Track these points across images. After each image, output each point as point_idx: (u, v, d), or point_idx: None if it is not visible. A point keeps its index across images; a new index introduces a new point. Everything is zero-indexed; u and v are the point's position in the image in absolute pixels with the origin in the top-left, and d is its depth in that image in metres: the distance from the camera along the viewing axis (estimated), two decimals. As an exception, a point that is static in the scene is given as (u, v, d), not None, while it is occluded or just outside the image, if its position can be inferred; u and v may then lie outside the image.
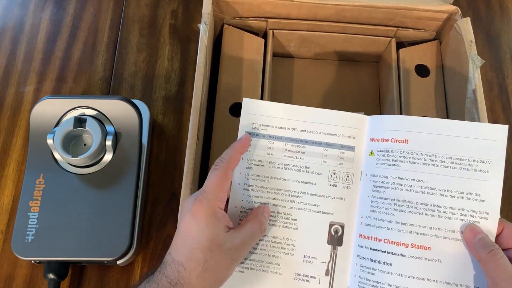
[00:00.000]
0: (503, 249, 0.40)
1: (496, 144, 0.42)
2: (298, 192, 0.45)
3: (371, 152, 0.45)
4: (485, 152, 0.42)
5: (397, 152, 0.43)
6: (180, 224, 0.42)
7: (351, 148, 0.46)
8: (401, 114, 0.59)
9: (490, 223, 0.41)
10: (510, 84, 0.71)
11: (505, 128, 0.42)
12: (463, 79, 0.55)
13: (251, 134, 0.46)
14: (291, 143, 0.46)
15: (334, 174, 0.45)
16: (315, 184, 0.45)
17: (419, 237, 0.42)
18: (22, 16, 0.73)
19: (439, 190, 0.42)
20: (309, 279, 0.44)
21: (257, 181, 0.45)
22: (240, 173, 0.46)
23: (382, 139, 0.45)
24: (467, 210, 0.41)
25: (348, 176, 0.45)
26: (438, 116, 0.60)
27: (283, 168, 0.45)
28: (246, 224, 0.43)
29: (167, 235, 0.61)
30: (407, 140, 0.43)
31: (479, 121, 0.52)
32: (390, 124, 0.44)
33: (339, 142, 0.46)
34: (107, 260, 0.55)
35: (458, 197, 0.41)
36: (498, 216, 0.41)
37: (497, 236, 0.41)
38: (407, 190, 0.43)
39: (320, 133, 0.46)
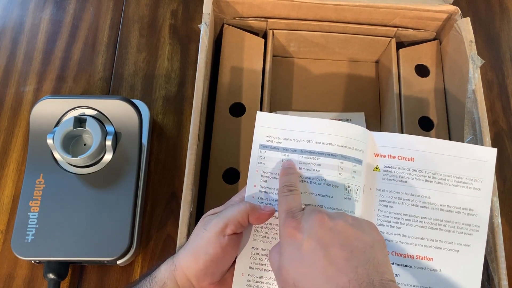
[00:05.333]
0: None
1: (487, 165, 0.46)
2: (315, 206, 0.43)
3: (376, 167, 0.46)
4: (478, 172, 0.46)
5: (404, 169, 0.46)
6: (192, 233, 0.43)
7: (360, 162, 0.45)
8: (401, 114, 0.60)
9: (481, 234, 0.45)
10: (510, 84, 0.71)
11: (494, 151, 0.46)
12: (463, 79, 0.55)
13: (265, 147, 0.45)
14: (306, 155, 0.44)
15: (349, 187, 0.44)
16: (332, 197, 0.44)
17: (423, 249, 0.44)
18: (22, 16, 0.73)
19: (441, 205, 0.45)
20: None
21: (272, 194, 0.44)
22: (255, 186, 0.44)
23: (388, 155, 0.46)
24: (463, 224, 0.45)
25: (357, 190, 0.45)
26: (438, 116, 0.60)
27: (298, 181, 0.44)
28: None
29: (167, 235, 0.61)
30: (413, 158, 0.46)
31: (479, 121, 0.52)
32: (397, 142, 0.46)
33: (352, 155, 0.45)
34: (107, 260, 0.55)
35: (455, 212, 0.45)
36: (487, 228, 0.45)
37: None
38: (413, 205, 0.45)
39: (335, 145, 0.45)
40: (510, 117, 0.69)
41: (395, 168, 0.46)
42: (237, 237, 0.42)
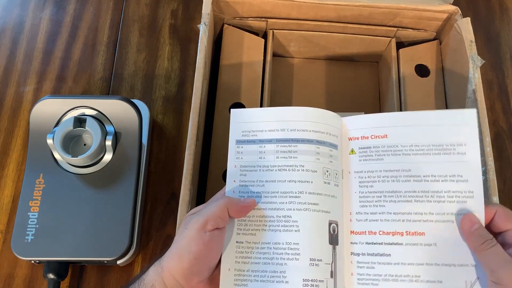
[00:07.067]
0: (497, 233, 0.41)
1: (469, 127, 0.44)
2: (296, 192, 0.43)
3: (352, 151, 0.46)
4: (459, 136, 0.44)
5: (378, 147, 0.45)
6: (175, 237, 0.43)
7: (336, 147, 0.46)
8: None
9: (476, 201, 0.42)
10: (510, 84, 0.71)
11: (473, 111, 0.44)
12: (463, 79, 0.55)
13: (241, 142, 0.45)
14: (282, 144, 0.45)
15: (327, 171, 0.45)
16: (311, 182, 0.44)
17: (412, 224, 0.43)
18: (22, 16, 0.73)
19: (424, 176, 0.43)
20: (317, 283, 0.42)
21: (252, 187, 0.44)
22: (234, 181, 0.45)
23: (361, 137, 0.46)
24: (453, 192, 0.43)
25: (336, 174, 0.45)
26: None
27: (277, 170, 0.44)
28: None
29: (167, 235, 0.61)
30: (386, 135, 0.45)
31: (479, 121, 0.52)
32: (368, 122, 0.46)
33: (328, 140, 0.45)
34: (107, 260, 0.55)
35: (442, 181, 0.43)
36: (482, 193, 0.42)
37: (490, 221, 0.42)
38: (393, 181, 0.44)
39: (310, 131, 0.45)
40: (510, 117, 0.69)
41: (370, 148, 0.45)
42: (220, 232, 0.42)
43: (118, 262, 0.56)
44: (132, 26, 0.72)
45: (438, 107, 0.60)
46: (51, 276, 0.54)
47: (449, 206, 0.42)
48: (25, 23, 0.72)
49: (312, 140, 0.45)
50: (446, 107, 0.60)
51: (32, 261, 0.56)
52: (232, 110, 0.46)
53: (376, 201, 0.44)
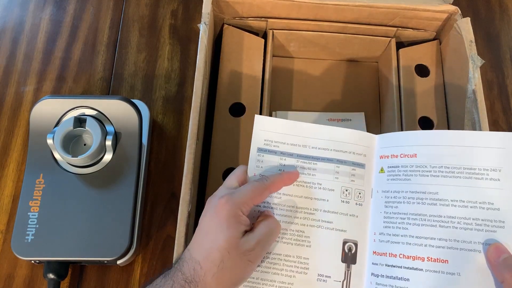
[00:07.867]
0: None
1: (506, 152, 0.41)
2: (311, 209, 0.44)
3: (381, 169, 0.45)
4: (495, 161, 0.41)
5: (406, 166, 0.43)
6: (202, 220, 0.42)
7: (362, 166, 0.46)
8: (400, 114, 0.59)
9: (507, 231, 0.40)
10: (510, 84, 0.71)
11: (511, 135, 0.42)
12: (463, 79, 0.55)
13: (262, 150, 0.46)
14: (302, 160, 0.45)
15: (347, 190, 0.45)
16: (327, 200, 0.44)
17: (435, 250, 0.41)
18: (22, 16, 0.73)
19: (451, 201, 0.41)
20: None
21: (270, 197, 0.45)
22: None
23: (391, 155, 0.45)
24: (482, 220, 0.40)
25: (359, 193, 0.45)
26: (438, 116, 0.60)
27: (294, 184, 0.45)
28: (260, 224, 0.42)
29: (167, 235, 0.61)
30: (416, 154, 0.43)
31: (479, 121, 0.52)
32: (398, 140, 0.45)
33: (350, 159, 0.45)
34: (107, 260, 0.55)
35: (471, 207, 0.41)
36: None
37: None
38: (419, 203, 0.42)
39: (331, 150, 0.45)
40: (510, 117, 0.69)
41: (398, 167, 0.44)
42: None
43: (118, 262, 0.56)
44: (132, 26, 0.72)
45: (438, 107, 0.60)
46: (51, 276, 0.54)
47: (477, 234, 0.40)
48: (25, 23, 0.72)
49: (332, 159, 0.45)
50: (446, 107, 0.60)
51: (32, 261, 0.56)
52: (256, 116, 0.46)
53: (399, 223, 0.42)
